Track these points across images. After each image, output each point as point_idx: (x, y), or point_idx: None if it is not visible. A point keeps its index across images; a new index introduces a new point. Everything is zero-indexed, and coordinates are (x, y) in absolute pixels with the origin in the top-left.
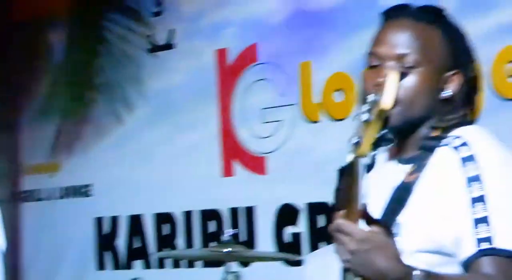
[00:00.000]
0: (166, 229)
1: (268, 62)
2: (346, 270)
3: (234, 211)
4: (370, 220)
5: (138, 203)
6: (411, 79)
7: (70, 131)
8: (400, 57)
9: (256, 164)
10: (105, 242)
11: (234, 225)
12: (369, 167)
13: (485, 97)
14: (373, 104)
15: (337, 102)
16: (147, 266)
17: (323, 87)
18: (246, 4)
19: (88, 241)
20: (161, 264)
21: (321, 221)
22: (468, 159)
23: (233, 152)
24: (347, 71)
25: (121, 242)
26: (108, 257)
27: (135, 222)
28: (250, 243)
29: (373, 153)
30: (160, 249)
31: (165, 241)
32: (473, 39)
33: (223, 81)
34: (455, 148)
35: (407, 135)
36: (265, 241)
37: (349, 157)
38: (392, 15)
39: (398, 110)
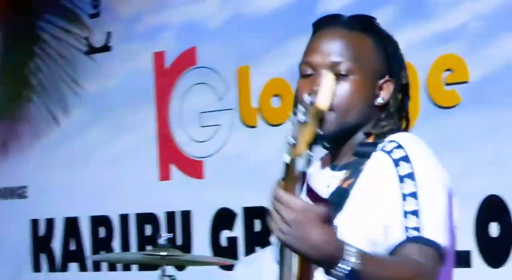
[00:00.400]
0: (102, 232)
1: (206, 66)
2: (281, 245)
3: (170, 215)
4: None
5: (74, 205)
6: (345, 87)
7: (6, 132)
8: (333, 65)
9: (193, 168)
10: (41, 244)
11: (171, 229)
12: (306, 167)
13: (422, 105)
14: (309, 105)
15: (275, 107)
16: (83, 268)
17: (261, 92)
18: (184, 8)
19: (24, 243)
20: (97, 267)
21: (257, 225)
22: (401, 159)
23: (170, 156)
24: (285, 76)
25: (57, 244)
26: (43, 260)
27: (71, 224)
28: (186, 247)
29: (309, 153)
30: (96, 252)
31: (101, 244)
32: (410, 47)
33: (161, 84)
34: (389, 151)
35: (343, 142)
36: (201, 245)
37: (286, 158)
38: (324, 24)
39: (333, 117)
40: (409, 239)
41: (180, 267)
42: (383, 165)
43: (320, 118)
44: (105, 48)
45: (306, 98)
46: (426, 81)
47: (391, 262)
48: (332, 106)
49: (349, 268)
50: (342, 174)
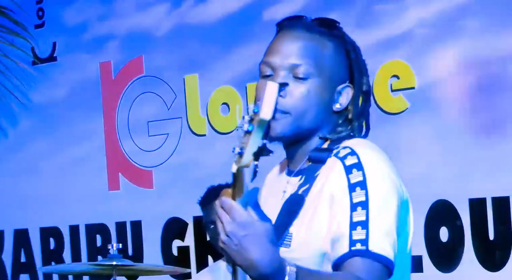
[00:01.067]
0: (52, 243)
1: (154, 75)
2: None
3: (121, 225)
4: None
5: (24, 217)
6: (302, 90)
7: None
8: (292, 68)
9: (142, 178)
10: None
11: (121, 239)
12: (253, 178)
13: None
14: (253, 115)
15: (223, 115)
16: None
17: (209, 101)
18: (130, 17)
19: None
20: (47, 279)
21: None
22: (353, 166)
23: (119, 166)
24: (233, 85)
25: (7, 256)
26: None
27: (21, 236)
28: (137, 257)
29: (255, 163)
30: (46, 263)
31: (52, 255)
32: None
33: (108, 94)
34: (342, 158)
35: (298, 146)
36: (152, 255)
37: (233, 168)
38: (286, 25)
39: (288, 120)
40: (354, 253)
41: (132, 277)
42: (335, 171)
43: (264, 127)
44: (51, 58)
45: (251, 107)
46: (372, 87)
47: (330, 278)
48: (288, 109)
49: None
50: (297, 180)
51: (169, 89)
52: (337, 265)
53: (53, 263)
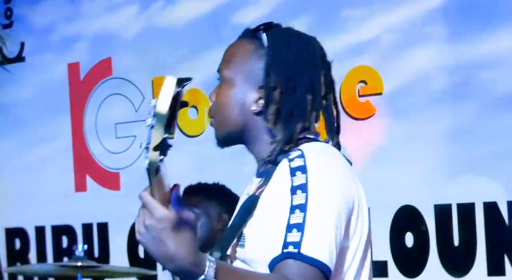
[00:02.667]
0: (17, 244)
1: (122, 77)
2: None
3: (87, 227)
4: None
5: None
6: (220, 94)
7: None
8: (218, 72)
9: (109, 179)
10: None
11: (87, 240)
12: (156, 172)
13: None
14: (153, 109)
15: (192, 118)
16: None
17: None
18: (99, 18)
19: None
20: (12, 278)
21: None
22: (298, 169)
23: (86, 167)
24: (201, 87)
25: None
26: None
27: None
28: (103, 258)
29: (160, 157)
30: (11, 264)
31: (17, 256)
32: None
33: (76, 95)
34: (290, 159)
35: (252, 149)
36: (118, 257)
37: (144, 164)
38: (243, 33)
39: (215, 125)
40: (286, 255)
41: (97, 278)
42: (282, 173)
43: (164, 122)
44: (19, 58)
45: (152, 102)
46: (340, 92)
47: (252, 278)
48: (212, 113)
49: None
50: (258, 181)
51: (137, 91)
52: (271, 267)
53: (18, 264)
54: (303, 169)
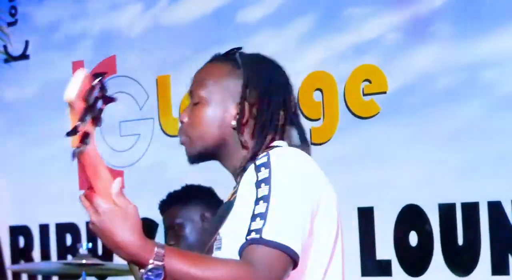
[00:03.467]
0: (21, 242)
1: (126, 75)
2: None
3: None
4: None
5: None
6: (195, 114)
7: None
8: (190, 95)
9: (113, 177)
10: None
11: (91, 238)
12: (74, 157)
13: (340, 116)
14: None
15: None
16: (2, 279)
17: (181, 102)
18: (103, 16)
19: None
20: (16, 277)
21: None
22: (262, 165)
23: None
24: None
25: None
26: None
27: None
28: (107, 257)
29: (78, 144)
30: (15, 262)
31: (21, 254)
32: (328, 58)
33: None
34: (257, 159)
35: (226, 163)
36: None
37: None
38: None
39: (190, 143)
40: (249, 241)
41: (101, 276)
42: (249, 172)
43: (71, 109)
44: (23, 56)
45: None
46: (344, 91)
47: (207, 261)
48: (187, 133)
49: (155, 268)
50: (233, 190)
51: (141, 89)
52: (239, 256)
53: (22, 261)
54: (266, 165)
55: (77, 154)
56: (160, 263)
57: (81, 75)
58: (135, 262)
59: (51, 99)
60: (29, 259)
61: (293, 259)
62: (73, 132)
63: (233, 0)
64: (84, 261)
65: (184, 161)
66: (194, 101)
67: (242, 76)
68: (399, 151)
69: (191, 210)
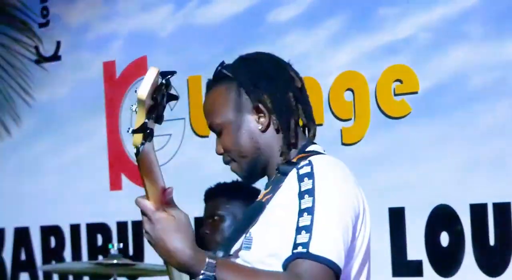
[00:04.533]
0: (53, 242)
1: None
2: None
3: (122, 225)
4: (170, 205)
5: (24, 215)
6: (224, 141)
7: None
8: (211, 127)
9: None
10: None
11: (122, 238)
12: (137, 154)
13: (372, 116)
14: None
15: None
16: (34, 279)
17: None
18: (134, 16)
19: None
20: (47, 277)
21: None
22: (305, 175)
23: (121, 166)
24: None
25: (7, 254)
26: None
27: (21, 234)
28: (138, 257)
29: (142, 141)
30: (46, 262)
31: (52, 254)
32: (359, 58)
33: (111, 94)
34: (299, 167)
35: (266, 171)
36: (153, 255)
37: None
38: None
39: (236, 167)
40: (295, 255)
41: (132, 277)
42: (291, 180)
43: (146, 107)
44: (55, 57)
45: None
46: (375, 91)
47: (257, 274)
48: (231, 156)
49: (206, 279)
50: (265, 190)
51: (172, 89)
52: (284, 268)
53: (53, 262)
54: (310, 175)
55: (142, 151)
56: (211, 274)
57: (154, 73)
58: (186, 271)
59: (82, 99)
60: (60, 259)
61: (336, 273)
62: (140, 129)
63: (264, 0)
64: (115, 261)
65: (215, 161)
66: (217, 132)
67: (239, 84)
68: (430, 151)
69: (236, 205)
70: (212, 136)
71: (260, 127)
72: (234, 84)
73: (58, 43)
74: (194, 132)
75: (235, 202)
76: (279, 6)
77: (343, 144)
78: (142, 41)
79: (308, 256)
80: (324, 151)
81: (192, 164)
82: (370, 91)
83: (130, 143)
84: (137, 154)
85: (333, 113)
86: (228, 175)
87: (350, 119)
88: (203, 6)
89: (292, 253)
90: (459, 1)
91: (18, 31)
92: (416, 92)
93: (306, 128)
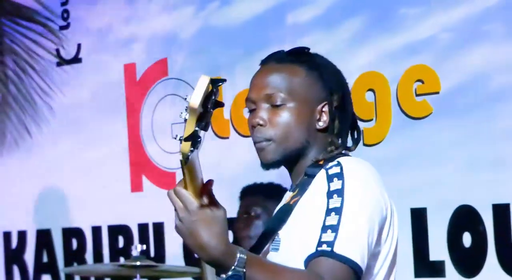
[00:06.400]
0: (74, 244)
1: (178, 77)
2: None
3: (143, 227)
4: (210, 198)
5: (46, 217)
6: (279, 116)
7: None
8: (268, 98)
9: (165, 179)
10: (13, 256)
11: (144, 240)
12: (186, 162)
13: (393, 116)
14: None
15: (247, 118)
16: None
17: (232, 103)
18: (155, 19)
19: None
20: (69, 279)
21: (230, 236)
22: (335, 175)
23: (142, 167)
24: None
25: (29, 256)
26: (16, 272)
27: (43, 236)
28: (159, 258)
29: (191, 149)
30: (68, 264)
31: (74, 256)
32: (380, 58)
33: (132, 96)
34: (328, 168)
35: (294, 166)
36: (174, 257)
37: (180, 157)
38: (262, 62)
39: (272, 147)
40: (319, 253)
41: (154, 278)
42: (319, 180)
43: (196, 115)
44: (76, 60)
45: (187, 97)
46: (397, 91)
47: (283, 272)
48: (270, 136)
49: (236, 274)
50: (292, 193)
51: (192, 91)
52: (305, 264)
53: (75, 264)
54: (339, 175)
55: (190, 159)
56: (241, 269)
57: (205, 81)
58: (216, 266)
59: (103, 101)
60: (82, 261)
61: (357, 274)
62: (190, 137)
63: (284, 1)
64: (137, 263)
65: (235, 162)
66: (274, 103)
67: (322, 78)
68: (452, 151)
69: (273, 205)
70: (232, 137)
71: (320, 124)
72: (315, 74)
73: (79, 46)
74: (215, 133)
75: (270, 202)
76: (299, 7)
77: (364, 145)
78: (162, 43)
79: (332, 255)
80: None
81: (212, 165)
82: (392, 91)
83: (151, 144)
84: (185, 161)
85: None
86: (249, 175)
87: (372, 120)
88: (223, 8)
89: (316, 250)
90: (480, 0)
91: (39, 33)
92: (437, 92)
93: (352, 140)
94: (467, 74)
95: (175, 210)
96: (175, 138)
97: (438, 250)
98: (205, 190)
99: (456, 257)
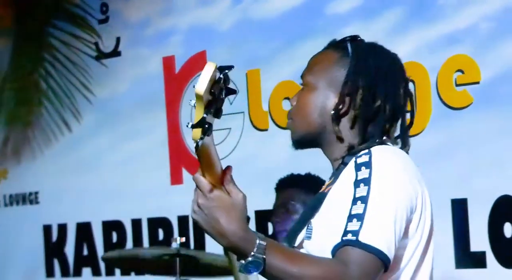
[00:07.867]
0: (114, 236)
1: None
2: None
3: (183, 219)
4: (229, 183)
5: (86, 210)
6: (302, 95)
7: (18, 138)
8: (301, 78)
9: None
10: (54, 249)
11: (183, 233)
12: (196, 149)
13: (433, 106)
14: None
15: (286, 110)
16: (96, 273)
17: (271, 95)
18: (193, 12)
19: (37, 249)
20: (110, 271)
21: (270, 228)
22: (363, 164)
23: (182, 160)
24: (294, 79)
25: (69, 249)
26: (56, 265)
27: (84, 229)
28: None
29: (201, 136)
30: None
31: (114, 249)
32: (420, 48)
33: (171, 89)
34: (357, 156)
35: (327, 152)
36: (214, 249)
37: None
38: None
39: (293, 125)
40: (344, 242)
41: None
42: (349, 169)
43: (204, 102)
44: (115, 53)
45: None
46: (437, 82)
47: (303, 259)
48: (292, 115)
49: (255, 260)
50: (329, 181)
51: (231, 83)
52: (332, 254)
53: None
54: (367, 164)
55: (201, 145)
56: (261, 255)
57: (211, 68)
58: (236, 252)
59: (142, 94)
60: None
61: (384, 264)
62: (199, 124)
63: None
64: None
65: (274, 154)
66: (303, 83)
67: (356, 65)
68: (493, 141)
69: (309, 196)
70: (271, 129)
71: (338, 109)
72: (345, 61)
73: (118, 39)
74: (254, 125)
75: (308, 193)
76: None
77: None
78: (201, 36)
79: (357, 244)
80: None
81: (251, 157)
82: (431, 82)
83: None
84: (196, 148)
85: None
86: (288, 167)
87: (412, 110)
88: (261, 0)
89: (342, 240)
90: None
91: (78, 27)
92: (477, 82)
93: (401, 140)
94: (507, 63)
95: (194, 196)
96: (187, 126)
97: (479, 241)
98: (224, 176)
99: (497, 247)
